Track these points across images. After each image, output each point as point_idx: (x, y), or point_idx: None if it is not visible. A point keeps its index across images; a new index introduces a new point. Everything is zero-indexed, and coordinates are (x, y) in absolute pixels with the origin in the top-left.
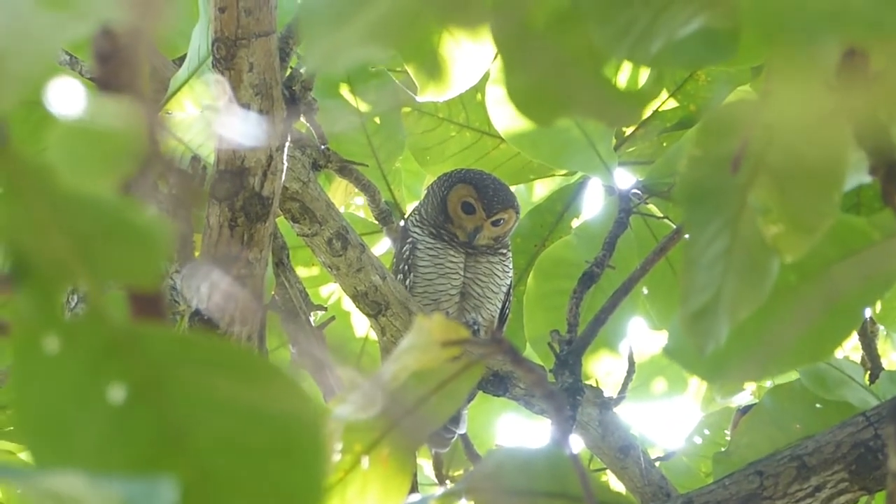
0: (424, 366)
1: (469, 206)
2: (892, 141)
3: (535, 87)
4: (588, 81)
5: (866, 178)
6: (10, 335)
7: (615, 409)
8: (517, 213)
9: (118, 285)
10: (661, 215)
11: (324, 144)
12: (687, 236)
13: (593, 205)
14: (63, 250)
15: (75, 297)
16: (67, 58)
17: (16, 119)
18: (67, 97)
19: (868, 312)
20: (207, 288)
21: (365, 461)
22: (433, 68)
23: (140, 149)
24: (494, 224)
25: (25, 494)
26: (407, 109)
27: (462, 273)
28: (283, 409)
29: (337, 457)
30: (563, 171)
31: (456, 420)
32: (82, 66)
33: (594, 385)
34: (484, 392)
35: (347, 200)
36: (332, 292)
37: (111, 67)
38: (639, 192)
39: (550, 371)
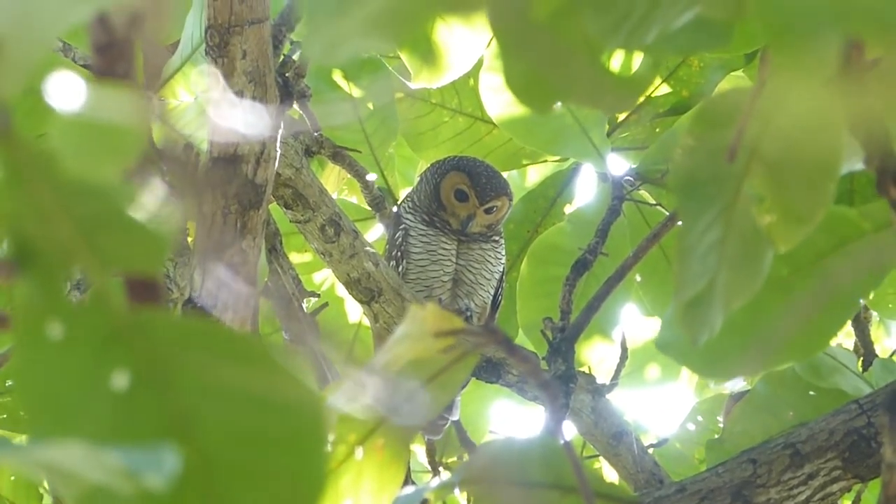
0: (418, 355)
1: (462, 194)
2: (888, 132)
3: (533, 75)
4: (585, 69)
5: (860, 165)
6: (11, 324)
7: (608, 396)
8: (510, 200)
9: (119, 272)
10: (654, 202)
11: (317, 131)
12: (680, 223)
13: (586, 190)
14: (67, 237)
15: (68, 284)
16: (60, 44)
17: (16, 106)
18: (68, 88)
19: (861, 300)
20: (201, 276)
21: (359, 451)
22: (427, 55)
23: (142, 140)
24: (487, 212)
25: (24, 468)
26: (400, 95)
27: (454, 260)
28: (286, 396)
29: (331, 447)
30: (556, 157)
31: (449, 407)
32: (75, 53)
33: (587, 372)
34: (477, 379)
35: (340, 186)
36: (324, 278)
37: (109, 57)
38: (631, 178)
39: (543, 359)
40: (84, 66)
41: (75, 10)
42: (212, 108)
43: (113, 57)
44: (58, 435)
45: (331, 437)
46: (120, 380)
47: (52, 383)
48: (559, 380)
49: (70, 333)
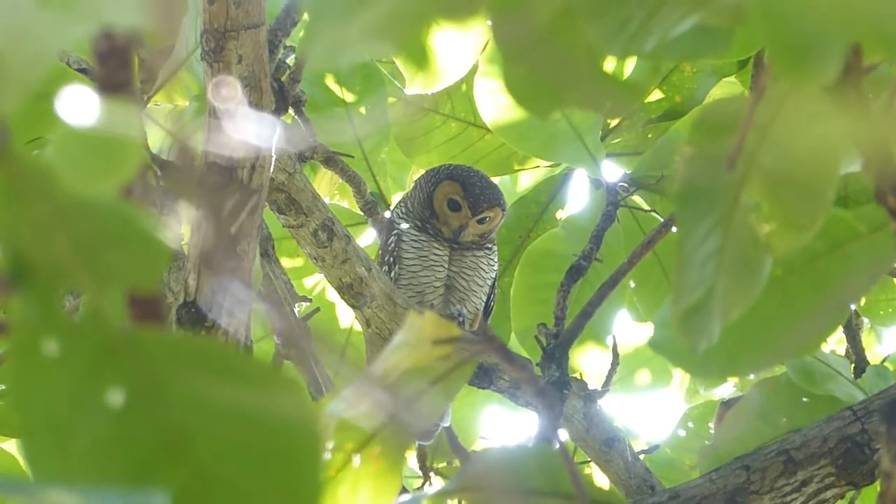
0: (417, 363)
1: (455, 204)
2: (886, 140)
3: (534, 80)
4: (586, 73)
5: (855, 167)
6: (9, 336)
7: (600, 402)
8: (503, 210)
9: (117, 288)
10: (649, 208)
11: (312, 137)
12: (674, 229)
13: (578, 195)
14: (64, 253)
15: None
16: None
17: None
18: (72, 99)
19: (853, 305)
20: (195, 281)
21: (356, 460)
22: (422, 60)
23: (142, 152)
24: (480, 222)
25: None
26: (392, 99)
27: (447, 266)
28: (282, 412)
29: (328, 455)
30: (548, 163)
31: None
32: (70, 58)
33: (579, 377)
34: (469, 384)
35: (332, 191)
36: (316, 283)
37: (110, 66)
38: (626, 184)
39: (537, 364)
40: (79, 71)
41: (74, 27)
42: (208, 112)
43: (114, 65)
44: (53, 453)
45: (329, 445)
46: (115, 396)
47: (48, 399)
48: (553, 386)
49: (66, 350)
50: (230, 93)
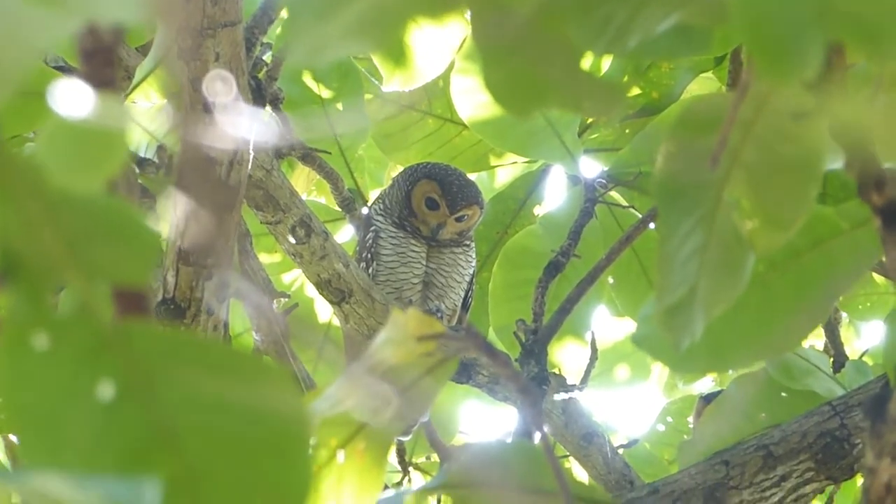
0: (401, 360)
1: (433, 202)
2: (869, 136)
3: (515, 79)
4: (569, 73)
5: (837, 164)
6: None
7: (578, 397)
8: (482, 208)
9: (106, 283)
10: (627, 204)
11: (289, 133)
12: (652, 225)
13: (556, 191)
14: (53, 249)
15: None
16: None
17: None
18: (61, 92)
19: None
20: (174, 277)
21: (341, 455)
22: (399, 57)
23: (127, 147)
24: (458, 220)
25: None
26: (369, 96)
27: (425, 263)
28: (271, 405)
29: (313, 451)
30: (526, 159)
31: None
32: (47, 55)
33: (558, 373)
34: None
35: (309, 188)
36: (294, 279)
37: (94, 63)
38: (604, 180)
39: (515, 360)
40: (57, 69)
41: (61, 25)
42: (185, 110)
43: (99, 62)
44: (45, 445)
45: (313, 441)
46: (105, 391)
47: (39, 394)
48: (532, 381)
49: (56, 344)
50: (221, 88)
